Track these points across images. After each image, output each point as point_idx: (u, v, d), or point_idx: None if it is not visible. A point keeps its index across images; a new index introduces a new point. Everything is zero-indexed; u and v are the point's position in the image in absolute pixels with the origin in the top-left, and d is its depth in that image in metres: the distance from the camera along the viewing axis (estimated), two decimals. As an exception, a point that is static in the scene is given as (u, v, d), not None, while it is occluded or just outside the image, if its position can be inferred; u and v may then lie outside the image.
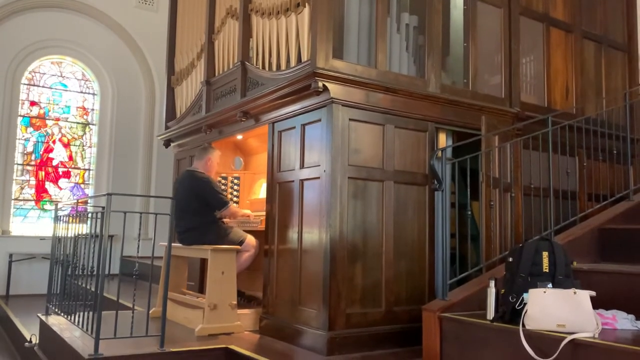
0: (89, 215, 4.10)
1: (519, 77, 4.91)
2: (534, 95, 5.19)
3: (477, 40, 4.70)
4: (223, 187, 5.54)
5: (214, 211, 4.67)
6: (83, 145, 9.24)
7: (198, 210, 4.61)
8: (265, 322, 4.31)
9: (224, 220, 4.81)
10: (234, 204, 5.18)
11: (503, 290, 3.16)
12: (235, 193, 5.66)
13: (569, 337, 2.60)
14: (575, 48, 5.45)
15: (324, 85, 3.80)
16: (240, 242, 4.66)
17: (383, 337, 3.82)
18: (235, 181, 5.67)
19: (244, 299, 5.14)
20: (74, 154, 9.14)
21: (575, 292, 2.77)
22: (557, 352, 2.60)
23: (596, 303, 2.84)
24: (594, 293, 2.81)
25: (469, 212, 3.84)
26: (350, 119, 3.90)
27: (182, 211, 4.57)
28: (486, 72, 4.91)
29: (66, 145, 9.10)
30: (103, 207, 3.49)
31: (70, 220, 4.45)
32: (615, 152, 4.77)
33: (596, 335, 2.62)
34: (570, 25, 5.46)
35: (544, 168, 4.10)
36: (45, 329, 4.50)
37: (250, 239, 4.74)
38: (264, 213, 4.60)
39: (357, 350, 3.69)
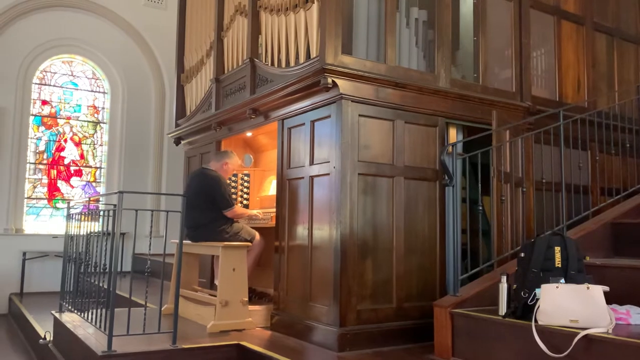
0: (101, 213, 4.12)
1: (529, 71, 4.87)
2: (545, 89, 5.15)
3: (487, 34, 4.66)
4: (233, 184, 5.55)
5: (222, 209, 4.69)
6: (94, 144, 9.30)
7: (208, 206, 4.63)
8: (277, 319, 4.32)
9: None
10: (239, 206, 5.19)
11: (515, 286, 3.15)
12: (245, 190, 5.67)
13: (583, 333, 2.58)
14: (586, 41, 5.39)
15: (333, 81, 3.79)
16: (251, 240, 4.68)
17: (394, 333, 3.82)
18: (245, 178, 5.69)
19: (255, 296, 5.16)
20: (85, 153, 9.20)
21: (588, 287, 2.75)
22: (571, 347, 2.58)
23: (610, 298, 2.82)
24: (607, 288, 2.78)
25: (480, 208, 3.81)
26: (359, 115, 3.89)
27: (192, 207, 4.59)
28: (496, 66, 4.87)
29: (77, 144, 9.16)
30: (114, 205, 3.51)
31: (82, 218, 4.48)
32: (628, 145, 4.73)
33: (610, 331, 2.60)
34: (581, 17, 5.40)
35: (555, 162, 4.07)
36: (59, 326, 4.54)
37: (257, 236, 4.76)
38: (274, 210, 4.61)
39: (368, 346, 3.69)
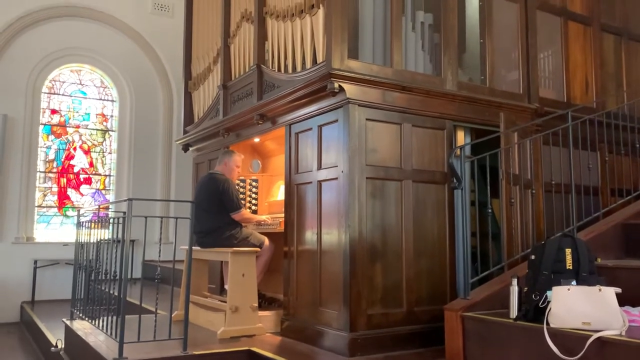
0: (111, 220, 4.14)
1: (537, 73, 4.85)
2: (553, 90, 5.13)
3: (494, 36, 4.65)
4: (241, 189, 5.57)
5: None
6: (103, 152, 9.35)
7: (218, 211, 4.65)
8: (287, 324, 4.32)
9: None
10: (247, 210, 5.21)
11: (526, 289, 3.12)
12: (253, 195, 5.69)
13: (595, 335, 2.56)
14: (594, 41, 5.37)
15: (339, 85, 3.79)
16: (260, 245, 4.69)
17: (405, 338, 3.80)
18: (254, 184, 5.70)
19: (265, 301, 5.16)
20: (94, 161, 9.26)
21: (600, 289, 2.73)
22: (583, 350, 2.56)
23: (622, 300, 2.79)
24: (619, 290, 2.76)
25: (490, 210, 3.80)
26: (367, 119, 3.89)
27: (203, 212, 4.62)
28: (503, 68, 4.86)
29: (87, 152, 9.22)
30: (124, 213, 3.52)
31: (93, 226, 4.51)
32: (638, 145, 4.69)
33: (623, 333, 2.58)
34: (588, 18, 5.37)
35: (564, 164, 4.04)
36: (70, 333, 4.57)
37: (267, 242, 4.77)
38: (282, 215, 4.61)
39: (379, 351, 3.68)
